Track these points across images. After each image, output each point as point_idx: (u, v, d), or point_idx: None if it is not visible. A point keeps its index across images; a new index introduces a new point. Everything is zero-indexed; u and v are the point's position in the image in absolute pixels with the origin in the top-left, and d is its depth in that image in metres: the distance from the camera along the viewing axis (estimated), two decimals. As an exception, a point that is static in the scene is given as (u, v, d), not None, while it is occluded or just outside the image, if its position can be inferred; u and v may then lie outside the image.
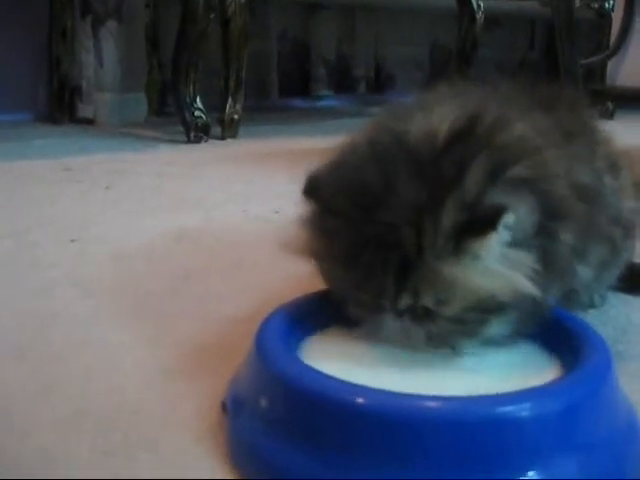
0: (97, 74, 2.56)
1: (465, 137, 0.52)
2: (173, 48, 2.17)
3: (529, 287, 0.50)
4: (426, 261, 0.49)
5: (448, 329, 0.52)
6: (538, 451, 0.44)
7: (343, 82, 3.50)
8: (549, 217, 0.52)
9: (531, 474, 0.43)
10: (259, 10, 2.98)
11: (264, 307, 0.59)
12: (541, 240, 0.51)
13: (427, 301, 0.50)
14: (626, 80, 1.72)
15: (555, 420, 0.45)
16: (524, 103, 0.60)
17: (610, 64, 1.80)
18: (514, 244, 0.50)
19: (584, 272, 0.61)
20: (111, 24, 2.52)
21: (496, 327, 0.53)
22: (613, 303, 0.77)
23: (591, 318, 0.70)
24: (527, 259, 0.50)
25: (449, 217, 0.48)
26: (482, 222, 0.48)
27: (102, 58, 2.55)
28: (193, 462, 0.49)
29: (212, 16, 2.12)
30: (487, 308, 0.51)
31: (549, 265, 0.52)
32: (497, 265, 0.49)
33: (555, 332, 0.55)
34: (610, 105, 2.85)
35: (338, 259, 0.53)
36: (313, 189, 0.55)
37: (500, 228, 0.48)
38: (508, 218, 0.48)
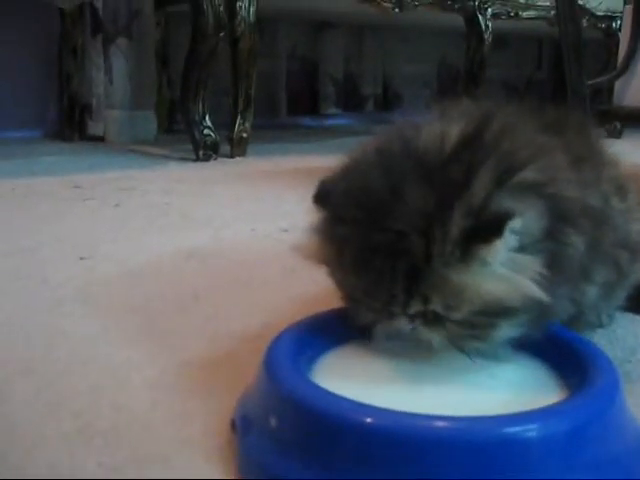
0: (107, 91, 2.59)
1: (473, 143, 0.53)
2: (183, 66, 2.19)
3: (536, 291, 0.50)
4: (435, 268, 0.49)
5: (459, 333, 0.52)
6: (545, 472, 0.44)
7: (351, 100, 3.52)
8: (559, 220, 0.52)
9: (539, 495, 0.43)
10: (268, 29, 3.00)
11: (273, 325, 0.59)
12: (550, 243, 0.52)
13: (436, 307, 0.51)
14: (633, 100, 1.72)
15: (562, 441, 0.45)
16: (532, 127, 0.61)
17: (617, 84, 1.80)
18: (521, 249, 0.50)
19: (590, 291, 0.62)
20: (121, 42, 2.55)
21: (506, 330, 0.53)
22: (621, 323, 0.77)
23: (599, 338, 0.70)
24: (535, 263, 0.50)
25: (457, 224, 0.49)
26: (488, 228, 0.48)
27: (112, 76, 2.57)
28: (202, 480, 0.49)
29: (221, 35, 2.14)
30: (496, 312, 0.51)
31: (558, 268, 0.52)
32: (504, 270, 0.50)
33: (562, 353, 0.55)
34: (618, 125, 2.86)
35: (348, 266, 0.53)
36: (323, 196, 0.56)
37: (507, 234, 0.48)
38: (515, 223, 0.48)
